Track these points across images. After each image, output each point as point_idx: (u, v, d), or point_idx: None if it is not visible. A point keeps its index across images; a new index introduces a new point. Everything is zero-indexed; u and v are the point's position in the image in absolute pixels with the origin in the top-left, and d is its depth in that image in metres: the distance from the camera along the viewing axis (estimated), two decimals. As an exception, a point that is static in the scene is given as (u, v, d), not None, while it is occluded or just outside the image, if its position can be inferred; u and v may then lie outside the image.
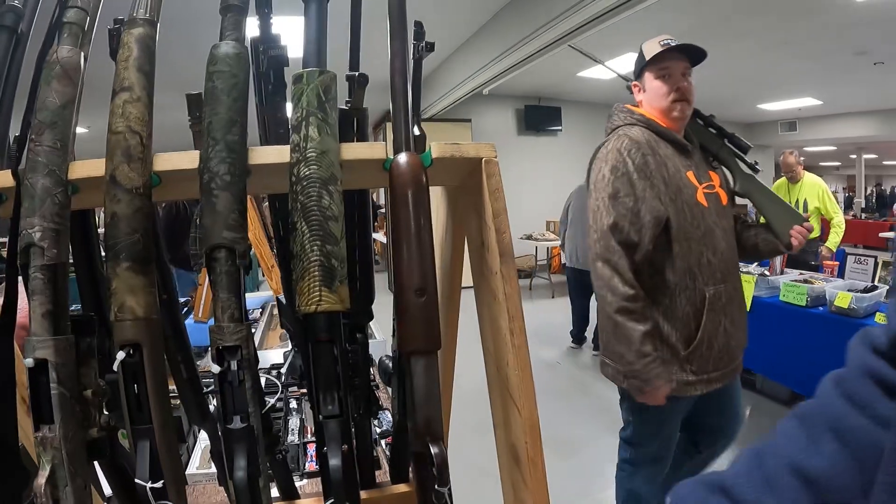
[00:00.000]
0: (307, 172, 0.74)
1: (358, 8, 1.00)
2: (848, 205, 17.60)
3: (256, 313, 3.97)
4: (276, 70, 0.90)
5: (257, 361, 0.77)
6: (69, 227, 0.76)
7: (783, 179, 5.91)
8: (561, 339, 6.56)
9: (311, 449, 1.80)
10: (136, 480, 0.72)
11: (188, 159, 0.77)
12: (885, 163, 23.02)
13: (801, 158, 5.89)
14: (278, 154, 0.79)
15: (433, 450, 0.74)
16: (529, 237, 9.63)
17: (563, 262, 7.50)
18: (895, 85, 9.75)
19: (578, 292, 6.24)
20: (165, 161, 0.77)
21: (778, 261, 4.70)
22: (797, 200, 5.65)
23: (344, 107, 0.93)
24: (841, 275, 4.75)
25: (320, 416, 0.78)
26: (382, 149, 0.82)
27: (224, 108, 0.75)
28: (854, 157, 17.46)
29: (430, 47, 0.98)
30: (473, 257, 0.96)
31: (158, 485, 0.73)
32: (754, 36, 7.39)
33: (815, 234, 5.51)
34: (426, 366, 0.76)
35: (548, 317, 7.47)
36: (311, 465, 1.71)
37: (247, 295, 2.63)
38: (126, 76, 0.75)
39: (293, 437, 1.85)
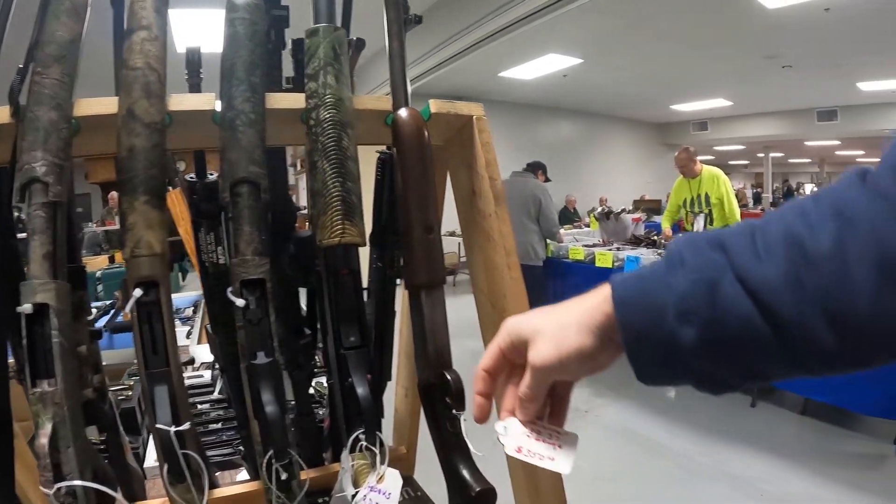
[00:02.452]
0: (327, 115, 0.78)
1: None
2: (756, 200, 18.43)
3: (189, 311, 3.88)
4: (277, 30, 0.93)
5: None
6: (72, 167, 0.74)
7: (680, 177, 5.92)
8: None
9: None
10: (158, 426, 0.69)
11: (204, 101, 0.80)
12: (790, 160, 24.15)
13: (696, 154, 5.81)
14: (292, 100, 0.83)
15: (450, 376, 0.78)
16: (452, 234, 9.68)
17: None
18: (801, 87, 10.36)
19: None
20: (180, 101, 0.79)
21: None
22: (698, 195, 5.69)
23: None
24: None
25: (342, 349, 0.80)
26: (388, 101, 0.87)
27: (246, 51, 0.78)
28: (762, 155, 18.23)
29: (418, 20, 1.01)
30: (463, 207, 1.02)
31: (184, 427, 0.70)
32: (673, 39, 7.66)
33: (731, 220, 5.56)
34: (434, 298, 0.82)
35: (472, 310, 7.55)
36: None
37: (178, 295, 2.56)
38: (144, 16, 0.75)
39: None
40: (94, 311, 2.64)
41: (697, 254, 0.53)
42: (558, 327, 0.59)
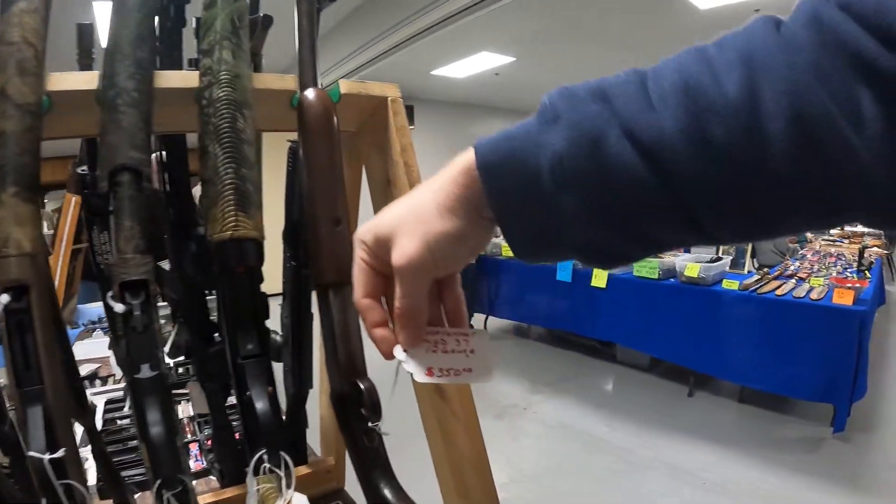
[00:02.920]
0: (221, 94, 0.70)
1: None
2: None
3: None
4: (177, 6, 0.85)
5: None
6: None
7: None
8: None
9: (195, 449, 1.61)
10: (31, 454, 0.61)
11: (86, 79, 0.71)
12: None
13: None
14: (184, 78, 0.74)
15: (363, 385, 0.70)
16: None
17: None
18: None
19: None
20: (61, 81, 0.70)
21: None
22: None
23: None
24: (687, 250, 5.24)
25: (238, 359, 0.72)
26: (293, 81, 0.79)
27: (134, 22, 0.69)
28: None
29: None
30: (377, 200, 0.95)
31: (59, 454, 0.62)
32: (604, 39, 7.74)
33: None
34: (344, 298, 0.74)
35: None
36: (197, 465, 1.52)
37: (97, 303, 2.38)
38: (24, -16, 0.66)
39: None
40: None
41: (575, 106, 0.46)
42: (418, 216, 0.50)
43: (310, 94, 0.76)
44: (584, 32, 7.53)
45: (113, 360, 2.38)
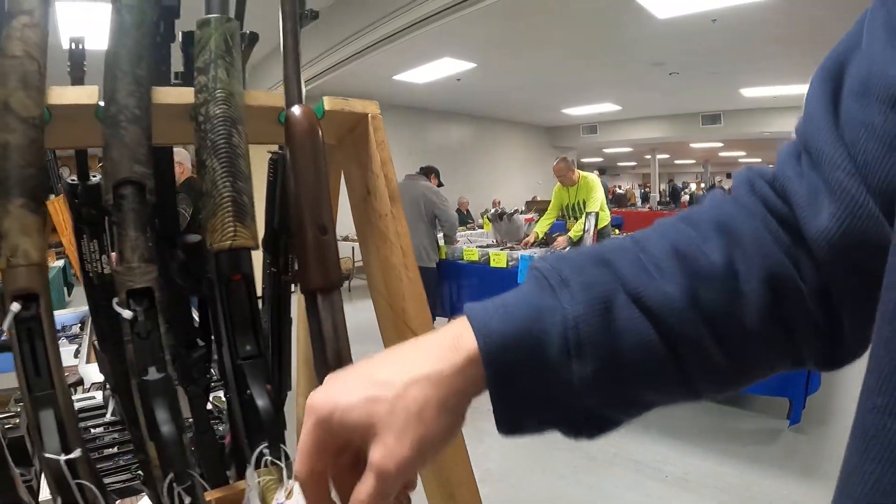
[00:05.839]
0: (217, 111, 0.74)
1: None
2: (645, 199, 19.23)
3: (76, 329, 3.65)
4: (167, 21, 0.87)
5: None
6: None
7: (558, 184, 6.07)
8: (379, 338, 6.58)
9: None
10: (48, 455, 0.63)
11: (86, 94, 0.74)
12: (676, 162, 25.44)
13: (574, 164, 6.06)
14: (179, 95, 0.78)
15: None
16: (346, 238, 9.56)
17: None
18: (687, 92, 10.93)
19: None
20: (60, 95, 0.73)
21: (588, 243, 5.12)
22: (577, 202, 5.90)
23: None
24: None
25: (238, 360, 0.76)
26: (281, 98, 0.84)
27: (132, 41, 0.72)
28: (649, 157, 19.23)
29: (314, 15, 0.97)
30: (357, 209, 1.00)
31: (75, 454, 0.65)
32: (565, 47, 7.85)
33: (605, 222, 5.86)
34: (331, 302, 0.79)
35: (368, 315, 7.45)
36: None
37: (64, 311, 2.32)
38: (25, -1, 0.69)
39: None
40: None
41: (581, 271, 0.45)
42: (415, 414, 0.42)
43: (296, 110, 0.81)
44: (544, 40, 7.62)
45: (81, 368, 2.36)
